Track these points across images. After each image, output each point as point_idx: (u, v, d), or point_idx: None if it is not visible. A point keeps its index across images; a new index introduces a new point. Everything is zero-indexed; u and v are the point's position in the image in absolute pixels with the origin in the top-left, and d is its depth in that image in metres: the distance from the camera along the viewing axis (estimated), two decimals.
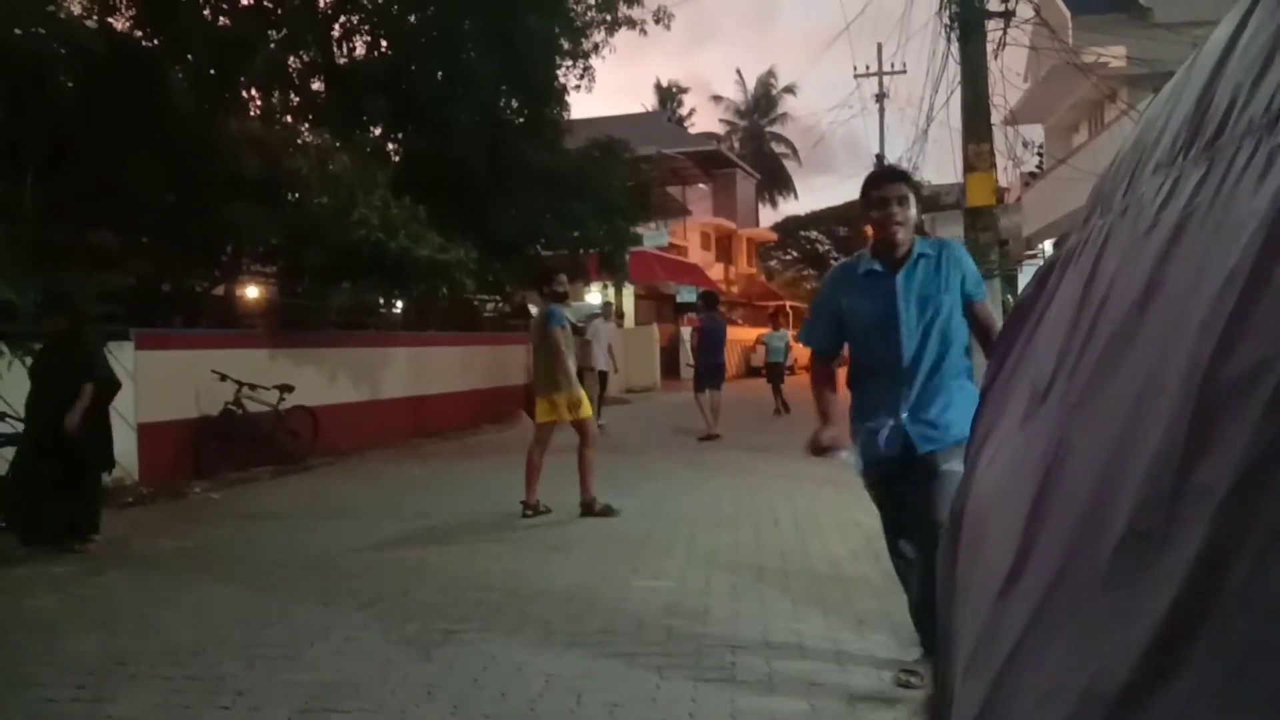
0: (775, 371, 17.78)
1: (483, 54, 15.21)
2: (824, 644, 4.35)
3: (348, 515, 8.21)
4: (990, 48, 12.17)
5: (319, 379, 12.74)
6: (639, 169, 20.88)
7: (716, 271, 41.27)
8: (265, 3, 13.76)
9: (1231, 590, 0.52)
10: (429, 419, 15.00)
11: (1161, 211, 0.78)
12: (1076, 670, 0.64)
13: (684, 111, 54.11)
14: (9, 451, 7.41)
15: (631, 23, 17.95)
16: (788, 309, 30.29)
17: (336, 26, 15.66)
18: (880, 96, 31.33)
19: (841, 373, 3.89)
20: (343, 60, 15.82)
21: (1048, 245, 22.95)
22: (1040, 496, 0.80)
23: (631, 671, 4.08)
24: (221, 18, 13.17)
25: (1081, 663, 0.64)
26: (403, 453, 12.87)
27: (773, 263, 58.11)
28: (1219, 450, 0.56)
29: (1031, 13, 13.74)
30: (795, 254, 59.20)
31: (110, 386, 7.32)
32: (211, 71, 12.71)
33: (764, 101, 55.63)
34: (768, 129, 55.94)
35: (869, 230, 3.61)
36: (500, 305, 20.14)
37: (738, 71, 78.70)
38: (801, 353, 19.17)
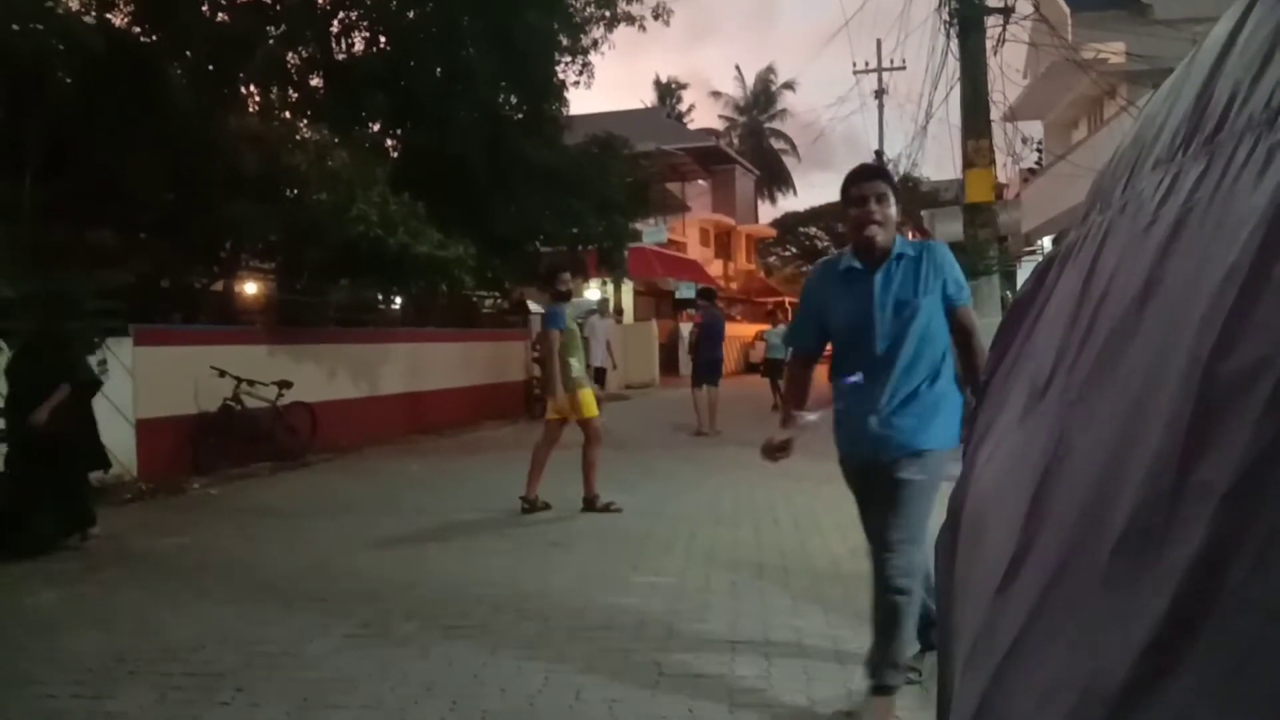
0: (774, 368, 17.78)
1: (482, 50, 15.18)
2: (823, 641, 4.36)
3: (347, 512, 8.21)
4: (990, 44, 12.17)
5: (318, 375, 12.74)
6: (638, 165, 20.86)
7: (715, 268, 41.27)
8: None
9: (1231, 589, 0.52)
10: (428, 415, 15.00)
11: (1161, 208, 0.78)
12: (1076, 668, 0.64)
13: (683, 108, 54.14)
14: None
15: (631, 19, 17.93)
16: (787, 305, 30.30)
17: (335, 22, 15.63)
18: (879, 93, 31.30)
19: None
20: (341, 56, 15.79)
21: (1047, 241, 22.97)
22: (1039, 493, 0.80)
23: (631, 668, 4.09)
24: (220, 14, 13.15)
25: (1081, 660, 0.63)
26: (401, 449, 12.87)
27: (772, 259, 58.12)
28: (1219, 448, 0.56)
29: (1031, 9, 13.74)
30: (794, 250, 59.17)
31: (90, 387, 7.24)
32: (210, 68, 12.69)
33: (763, 98, 55.61)
34: (767, 125, 55.92)
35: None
36: (499, 301, 20.15)
37: (737, 68, 78.67)
38: None
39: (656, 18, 17.94)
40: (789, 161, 56.55)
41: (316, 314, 13.31)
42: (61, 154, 10.28)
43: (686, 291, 31.70)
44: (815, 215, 56.92)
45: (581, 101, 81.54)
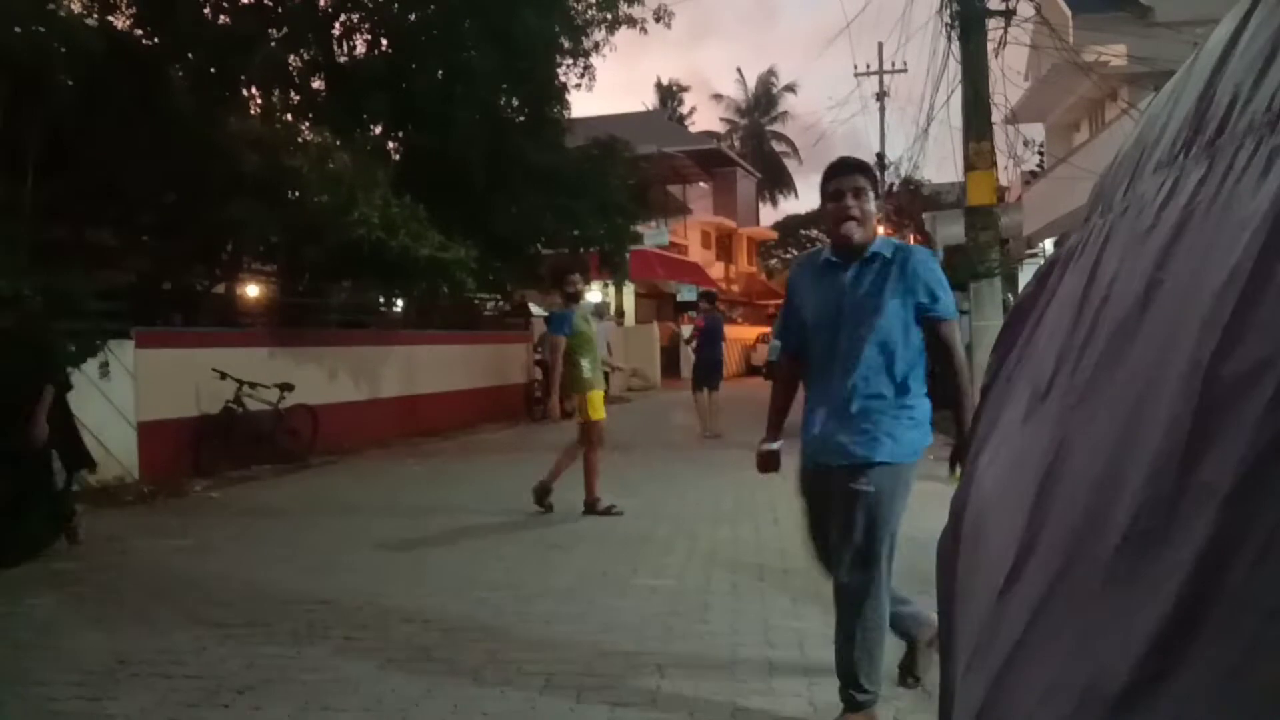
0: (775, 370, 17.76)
1: (483, 52, 15.20)
2: (824, 641, 4.34)
3: (348, 514, 8.22)
4: (991, 46, 12.18)
5: (319, 377, 12.75)
6: (639, 168, 20.87)
7: (717, 270, 41.28)
8: (265, 1, 13.76)
9: (1233, 589, 0.53)
10: (429, 418, 15.01)
11: (1162, 210, 0.78)
12: (1077, 668, 0.64)
13: (684, 110, 54.13)
14: None
15: (632, 21, 17.94)
16: None
17: (337, 25, 15.65)
18: (881, 95, 31.33)
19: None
20: (343, 59, 15.81)
21: (1048, 244, 22.96)
22: (1041, 495, 0.80)
23: (632, 669, 4.09)
24: (222, 16, 13.17)
25: (1083, 661, 0.64)
26: (403, 451, 12.88)
27: (773, 261, 58.10)
28: (1220, 449, 0.56)
29: (1032, 11, 13.74)
30: (796, 252, 59.17)
31: (66, 386, 7.15)
32: (212, 70, 12.71)
33: (764, 100, 55.61)
34: (768, 127, 55.93)
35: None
36: (500, 304, 20.16)
37: (738, 70, 78.65)
38: None
39: (658, 20, 17.96)
40: (790, 164, 56.58)
41: (318, 316, 13.33)
42: (62, 155, 10.29)
43: (688, 294, 31.72)
44: (817, 218, 56.85)
45: (583, 104, 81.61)
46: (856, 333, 3.24)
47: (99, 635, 4.80)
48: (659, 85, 54.57)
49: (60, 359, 7.34)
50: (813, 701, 3.68)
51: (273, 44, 13.78)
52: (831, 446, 3.27)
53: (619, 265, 20.27)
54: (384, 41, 16.10)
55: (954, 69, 12.55)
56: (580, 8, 17.57)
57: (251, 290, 14.87)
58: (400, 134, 16.81)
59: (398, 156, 16.48)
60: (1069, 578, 0.70)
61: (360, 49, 16.13)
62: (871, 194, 3.32)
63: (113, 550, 6.88)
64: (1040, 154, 26.42)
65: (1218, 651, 0.53)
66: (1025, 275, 20.99)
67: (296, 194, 12.21)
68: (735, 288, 44.02)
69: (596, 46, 18.15)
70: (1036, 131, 26.12)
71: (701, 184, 39.68)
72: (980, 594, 0.89)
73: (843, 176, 3.33)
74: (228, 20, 13.11)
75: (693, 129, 47.88)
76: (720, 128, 54.81)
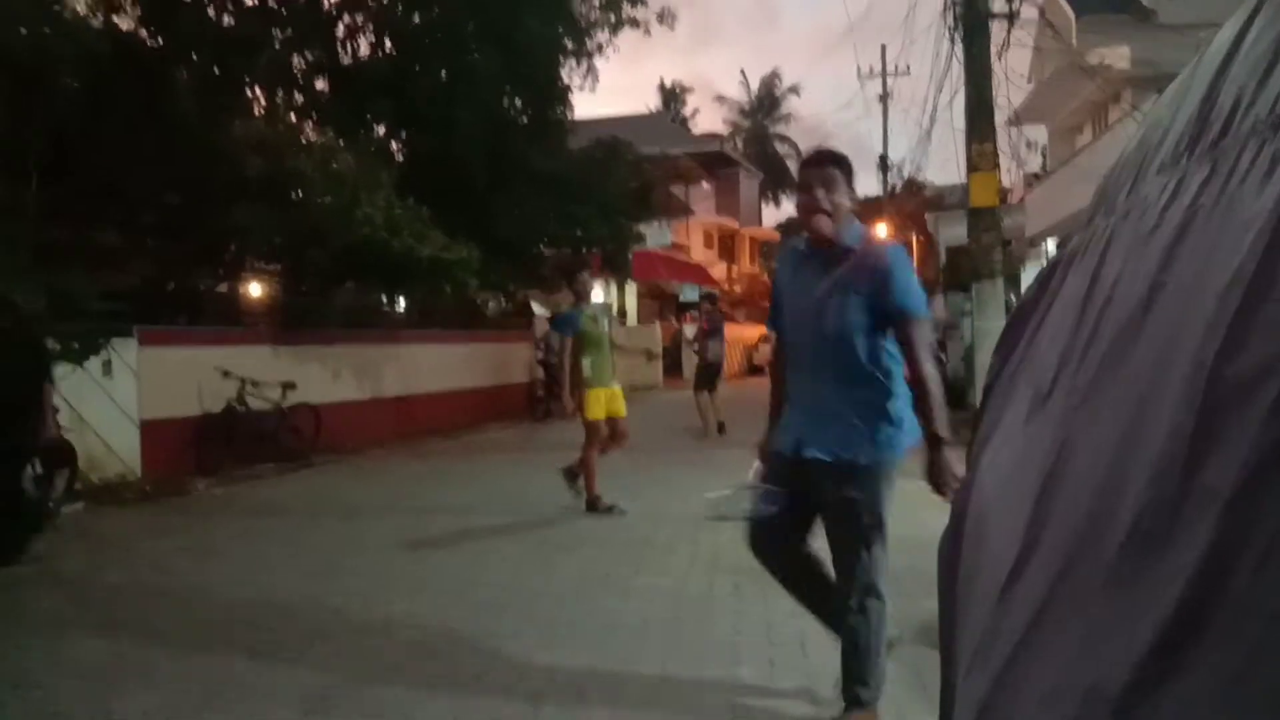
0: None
1: (486, 54, 15.23)
2: (826, 642, 4.34)
3: (350, 514, 8.22)
4: (994, 49, 12.19)
5: (322, 377, 12.76)
6: (642, 169, 20.91)
7: (719, 270, 41.29)
8: (270, 3, 13.79)
9: (1236, 592, 0.53)
10: (432, 417, 15.02)
11: (1165, 212, 0.78)
12: (1080, 670, 0.64)
13: (688, 112, 54.14)
14: None
15: (635, 23, 17.97)
16: None
17: (340, 26, 15.69)
18: (884, 97, 31.32)
19: None
20: (347, 61, 15.83)
21: (1051, 245, 22.95)
22: (1043, 496, 0.80)
23: (634, 669, 4.09)
24: (226, 17, 13.20)
25: (1085, 663, 0.64)
26: (405, 451, 12.89)
27: (774, 262, 58.09)
28: (1224, 451, 0.56)
29: (1036, 14, 13.74)
30: None
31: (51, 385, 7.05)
32: (216, 71, 12.73)
33: (768, 102, 55.61)
34: (772, 129, 55.92)
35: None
36: (503, 304, 20.18)
37: (741, 72, 78.67)
38: None
39: (661, 22, 17.99)
40: (793, 165, 56.47)
41: (321, 316, 13.34)
42: (67, 156, 10.31)
43: (690, 294, 31.72)
44: None
45: (586, 106, 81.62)
46: (829, 328, 3.20)
47: (101, 635, 4.81)
48: (662, 87, 54.64)
49: (49, 359, 7.21)
50: (815, 702, 3.68)
51: (277, 45, 13.81)
52: (811, 440, 3.24)
53: (622, 265, 20.28)
54: (387, 43, 16.13)
55: (957, 71, 12.55)
56: (584, 9, 17.60)
57: (255, 290, 14.89)
58: (403, 135, 16.85)
59: (401, 158, 16.52)
60: (1071, 579, 0.70)
61: (364, 51, 16.17)
62: (844, 186, 3.25)
63: (115, 549, 6.89)
64: (1043, 156, 26.41)
65: (1221, 655, 0.53)
66: (1028, 277, 21.00)
67: (300, 195, 12.24)
68: (738, 288, 44.02)
69: (600, 48, 18.20)
70: (1039, 134, 26.13)
71: (704, 184, 39.69)
72: (981, 594, 0.89)
73: (812, 168, 3.29)
74: (232, 22, 13.14)
75: (696, 131, 47.89)
76: (723, 129, 54.83)
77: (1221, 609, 0.53)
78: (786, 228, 56.19)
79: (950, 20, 12.40)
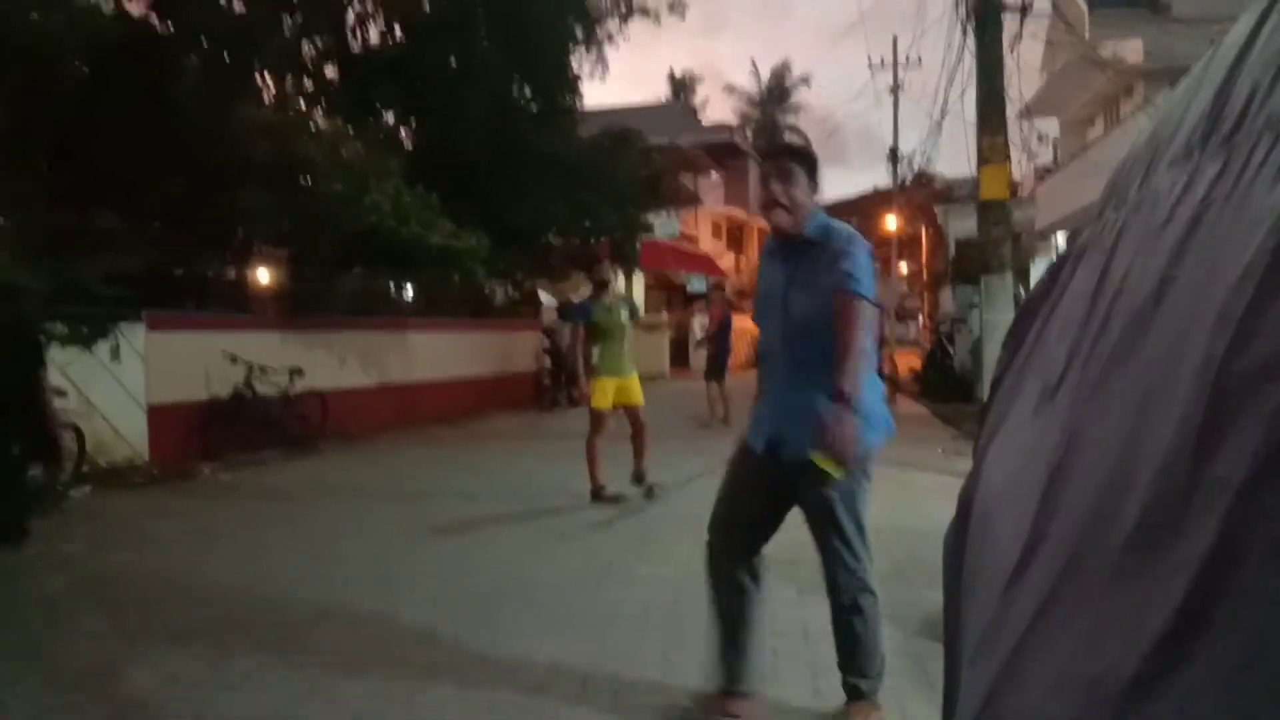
0: None
1: (495, 42, 15.20)
2: (828, 632, 4.35)
3: (356, 499, 8.25)
4: (1006, 40, 12.13)
5: (329, 363, 12.79)
6: (651, 158, 20.88)
7: (727, 261, 41.20)
8: None
9: (1243, 584, 0.53)
10: (438, 405, 15.05)
11: (1177, 206, 0.78)
12: (1086, 661, 0.64)
13: (697, 101, 53.98)
14: None
15: (645, 11, 17.92)
16: None
17: (350, 13, 15.66)
18: (895, 89, 31.18)
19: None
20: (356, 48, 15.82)
21: (1061, 239, 22.88)
22: (1050, 488, 0.80)
23: (637, 657, 4.10)
24: (236, 4, 13.19)
25: (1091, 653, 0.64)
26: (412, 438, 12.91)
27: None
28: (1233, 444, 0.56)
29: (1049, 6, 13.68)
30: None
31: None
32: (225, 57, 12.72)
33: (778, 92, 55.40)
34: (782, 120, 55.68)
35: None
36: (510, 292, 20.19)
37: (752, 61, 78.46)
38: None
39: (671, 11, 17.93)
40: None
41: (329, 302, 13.36)
42: (75, 141, 10.32)
43: (698, 285, 31.66)
44: (829, 210, 56.52)
45: (595, 95, 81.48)
46: (793, 321, 3.17)
47: (107, 615, 4.84)
48: (672, 77, 54.46)
49: (42, 348, 7.06)
50: (817, 691, 3.69)
51: (287, 32, 13.79)
52: (780, 435, 3.21)
53: (630, 255, 20.27)
54: (397, 30, 16.10)
55: (969, 63, 12.50)
56: None
57: (263, 276, 14.92)
58: (412, 123, 16.83)
59: (409, 146, 16.51)
60: (1078, 571, 0.70)
61: (373, 38, 16.14)
62: (802, 179, 3.23)
63: (121, 532, 6.92)
64: (1054, 149, 26.31)
65: (1227, 647, 0.53)
66: (1037, 270, 20.94)
67: (309, 180, 12.25)
68: (746, 278, 43.94)
69: (610, 37, 18.14)
70: (1051, 126, 26.02)
71: (713, 174, 39.59)
72: (987, 586, 0.90)
73: (766, 161, 3.28)
74: (242, 8, 13.12)
75: (705, 120, 47.74)
76: (733, 119, 54.65)
77: (1228, 600, 0.54)
78: None
79: (962, 12, 12.34)
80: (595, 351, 7.72)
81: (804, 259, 3.20)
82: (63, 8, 9.79)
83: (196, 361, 10.50)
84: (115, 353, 9.64)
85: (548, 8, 15.51)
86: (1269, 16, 0.75)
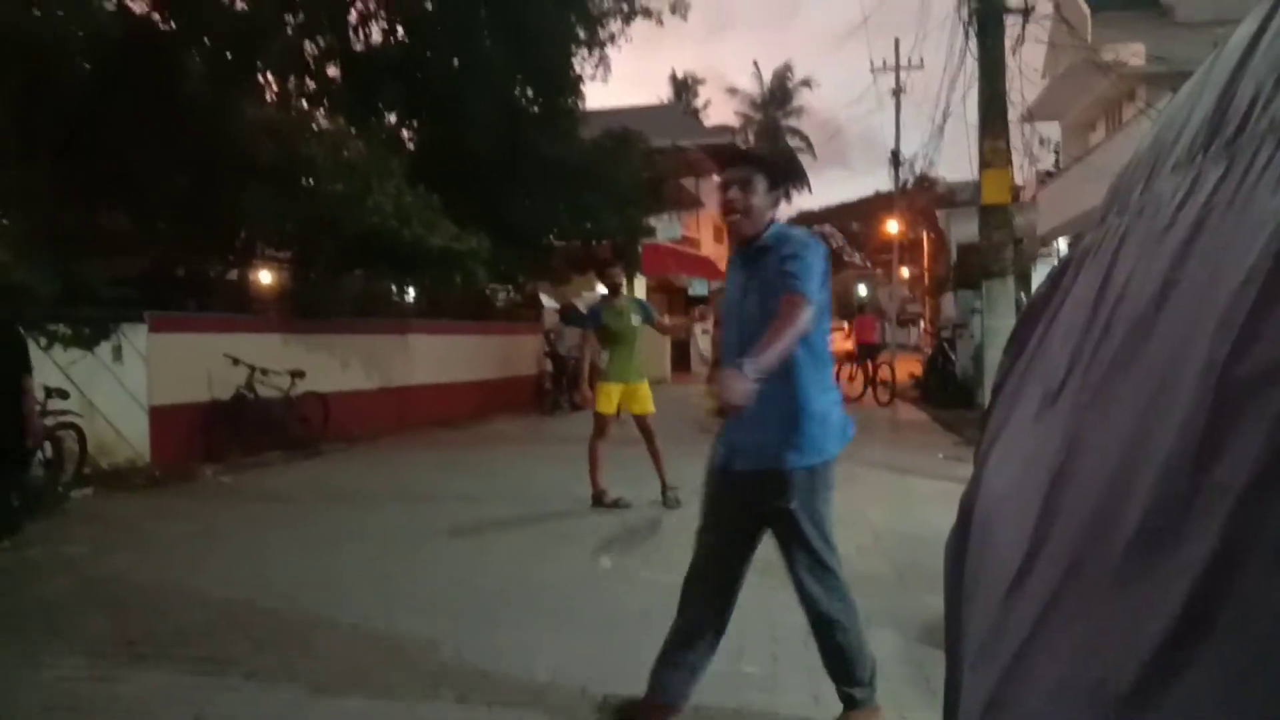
0: None
1: (497, 42, 15.21)
2: None
3: (357, 502, 8.25)
4: (1009, 44, 12.13)
5: (331, 365, 12.79)
6: (653, 161, 20.87)
7: None
8: None
9: (1244, 589, 0.53)
10: (440, 408, 15.04)
11: (1180, 210, 0.77)
12: (1087, 665, 0.64)
13: (699, 103, 54.03)
14: None
15: (648, 13, 17.92)
16: None
17: (353, 13, 15.68)
18: (897, 92, 31.19)
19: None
20: (359, 47, 15.83)
21: (1063, 243, 22.88)
22: (1052, 493, 0.80)
23: (638, 661, 4.09)
24: (239, 2, 13.20)
25: (1092, 658, 0.64)
26: (413, 441, 12.91)
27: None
28: (1234, 449, 0.56)
29: (1051, 9, 13.68)
30: None
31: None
32: (228, 56, 12.73)
33: (780, 94, 55.45)
34: (784, 122, 55.76)
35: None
36: (512, 295, 20.20)
37: (754, 64, 78.52)
38: None
39: (674, 12, 17.94)
40: (805, 159, 56.33)
41: (331, 304, 13.36)
42: (78, 140, 10.33)
43: (699, 288, 31.66)
44: (830, 213, 56.76)
45: (597, 96, 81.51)
46: (748, 327, 3.13)
47: (109, 617, 4.84)
48: (674, 78, 54.53)
49: (26, 351, 6.75)
50: (817, 696, 3.68)
51: (289, 31, 13.80)
52: (737, 449, 3.19)
53: (631, 258, 20.27)
54: (399, 30, 16.12)
55: (971, 66, 12.50)
56: None
57: (265, 277, 14.93)
58: (414, 124, 16.84)
59: (411, 146, 16.51)
60: (1079, 576, 0.70)
61: (376, 37, 16.16)
62: (761, 184, 3.21)
63: (123, 534, 6.92)
64: (1056, 153, 26.29)
65: (1228, 652, 0.53)
66: (1039, 275, 20.92)
67: (311, 181, 12.25)
68: None
69: (612, 38, 18.15)
70: (1053, 130, 26.02)
71: (715, 177, 39.54)
72: (988, 592, 0.89)
73: (728, 168, 3.27)
74: (245, 6, 13.13)
75: (707, 123, 47.77)
76: (735, 121, 54.66)
77: (1229, 605, 0.53)
78: (795, 223, 56.16)
79: (965, 15, 12.34)
80: (605, 357, 7.70)
81: (759, 265, 3.19)
82: (65, 4, 9.80)
83: (198, 363, 10.51)
84: (117, 354, 9.65)
85: (550, 8, 15.52)
86: (1272, 20, 0.74)
